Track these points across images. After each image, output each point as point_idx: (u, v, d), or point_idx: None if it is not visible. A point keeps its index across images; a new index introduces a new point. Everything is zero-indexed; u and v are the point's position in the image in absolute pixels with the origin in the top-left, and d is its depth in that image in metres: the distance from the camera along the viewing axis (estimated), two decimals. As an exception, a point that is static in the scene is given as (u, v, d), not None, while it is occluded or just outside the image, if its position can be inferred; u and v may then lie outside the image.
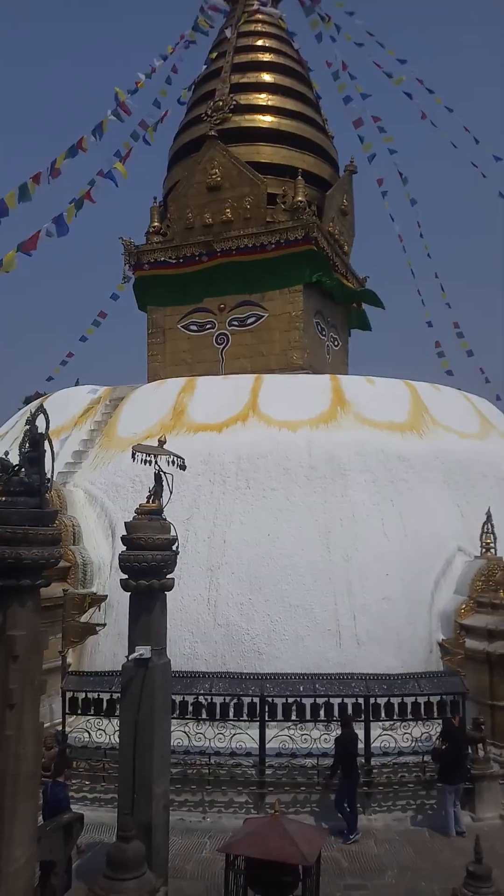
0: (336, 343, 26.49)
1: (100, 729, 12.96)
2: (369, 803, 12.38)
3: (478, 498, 17.48)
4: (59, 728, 13.14)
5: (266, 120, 24.87)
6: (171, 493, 10.15)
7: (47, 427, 7.38)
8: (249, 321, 23.64)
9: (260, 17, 27.77)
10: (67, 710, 13.20)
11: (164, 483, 10.12)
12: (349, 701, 12.60)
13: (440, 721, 12.70)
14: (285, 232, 22.95)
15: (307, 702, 12.69)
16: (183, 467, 10.93)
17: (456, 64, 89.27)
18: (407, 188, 29.75)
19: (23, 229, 19.44)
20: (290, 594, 14.96)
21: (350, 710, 12.55)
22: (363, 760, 12.42)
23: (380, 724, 12.78)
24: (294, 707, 12.68)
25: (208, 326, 24.18)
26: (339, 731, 12.53)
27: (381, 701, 12.66)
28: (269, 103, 25.12)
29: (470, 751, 12.46)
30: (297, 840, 7.93)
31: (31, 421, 7.44)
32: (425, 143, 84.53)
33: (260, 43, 26.82)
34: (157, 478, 10.18)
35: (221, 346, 23.94)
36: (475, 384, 29.46)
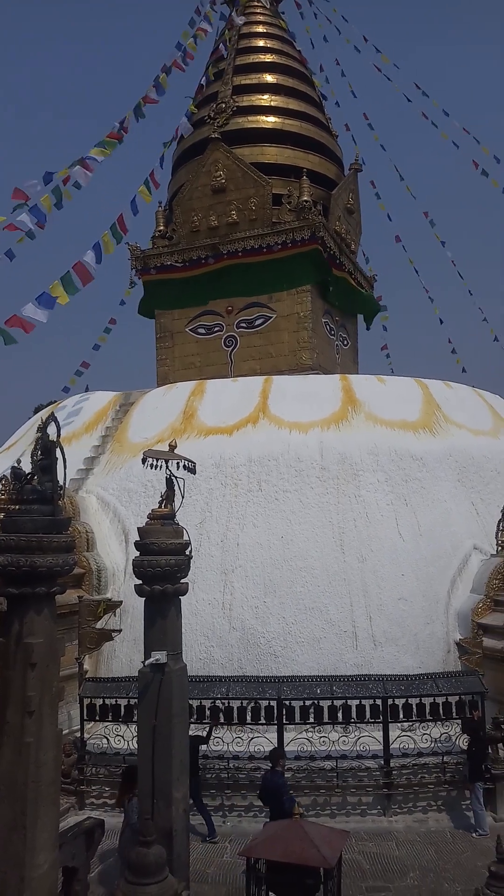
0: (346, 342, 26.45)
1: (118, 735, 12.97)
2: (389, 805, 12.32)
3: (492, 495, 17.42)
4: (78, 734, 13.16)
5: (269, 120, 24.89)
6: (182, 497, 10.13)
7: (58, 435, 7.39)
8: (258, 322, 23.64)
9: (261, 17, 27.80)
10: (86, 717, 13.21)
11: (176, 487, 10.11)
12: (367, 702, 12.54)
13: (459, 721, 12.61)
14: (291, 232, 22.96)
15: (325, 704, 12.62)
16: (193, 471, 10.91)
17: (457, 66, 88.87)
18: (406, 182, 29.73)
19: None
20: (304, 596, 14.92)
21: (368, 712, 12.49)
22: (382, 762, 12.37)
23: (398, 724, 12.72)
24: (312, 710, 12.63)
25: (216, 329, 24.20)
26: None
27: (400, 702, 12.59)
28: (273, 104, 25.15)
29: (490, 750, 12.38)
30: (318, 842, 7.90)
31: (42, 429, 7.46)
32: (422, 144, 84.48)
33: (261, 44, 26.87)
34: (169, 482, 10.16)
35: (230, 349, 23.95)
36: (493, 379, 29.27)
